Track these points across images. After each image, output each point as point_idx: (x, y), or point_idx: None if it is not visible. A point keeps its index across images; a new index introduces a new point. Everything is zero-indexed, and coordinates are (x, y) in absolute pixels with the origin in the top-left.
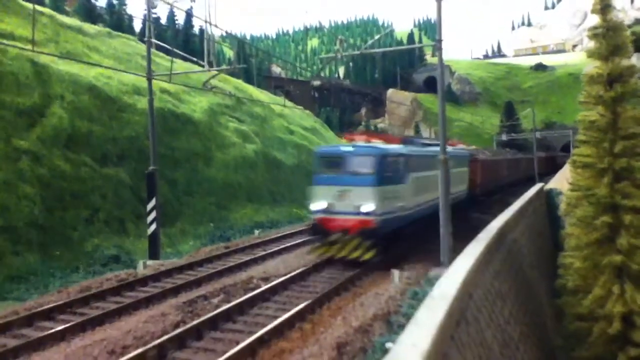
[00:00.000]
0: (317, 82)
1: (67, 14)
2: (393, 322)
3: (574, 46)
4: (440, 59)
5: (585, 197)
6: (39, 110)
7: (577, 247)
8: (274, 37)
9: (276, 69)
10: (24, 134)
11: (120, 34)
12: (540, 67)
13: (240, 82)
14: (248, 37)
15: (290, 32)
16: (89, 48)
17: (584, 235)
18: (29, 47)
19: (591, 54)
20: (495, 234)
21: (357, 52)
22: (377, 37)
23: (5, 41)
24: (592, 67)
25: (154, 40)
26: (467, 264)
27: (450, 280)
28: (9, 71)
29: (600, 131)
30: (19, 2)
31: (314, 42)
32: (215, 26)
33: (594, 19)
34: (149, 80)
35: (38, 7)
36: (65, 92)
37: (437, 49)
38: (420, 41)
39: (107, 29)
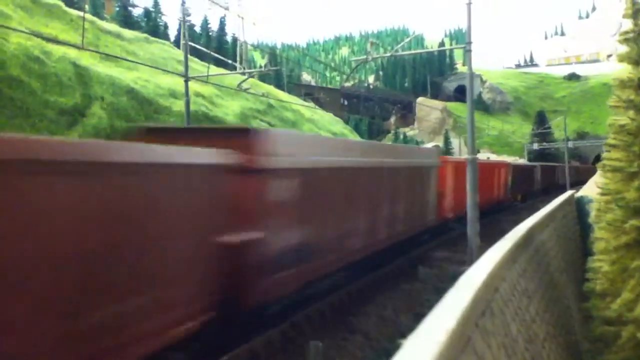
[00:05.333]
0: (348, 84)
1: (105, 20)
2: None
3: (609, 56)
4: (470, 63)
5: (615, 200)
6: (80, 110)
7: (605, 251)
8: (304, 45)
9: (306, 77)
10: (65, 132)
11: (156, 39)
12: (573, 77)
13: (271, 88)
14: (279, 46)
15: (321, 41)
16: (127, 52)
17: (613, 239)
18: (73, 50)
19: (622, 59)
20: (523, 234)
21: (387, 54)
22: (407, 39)
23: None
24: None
25: (190, 43)
26: (494, 257)
27: (477, 270)
28: (53, 72)
29: (630, 135)
30: (62, 8)
31: (344, 51)
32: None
33: (627, 26)
34: (186, 81)
35: (80, 13)
36: (105, 93)
37: (467, 51)
38: (451, 50)
39: (145, 35)
